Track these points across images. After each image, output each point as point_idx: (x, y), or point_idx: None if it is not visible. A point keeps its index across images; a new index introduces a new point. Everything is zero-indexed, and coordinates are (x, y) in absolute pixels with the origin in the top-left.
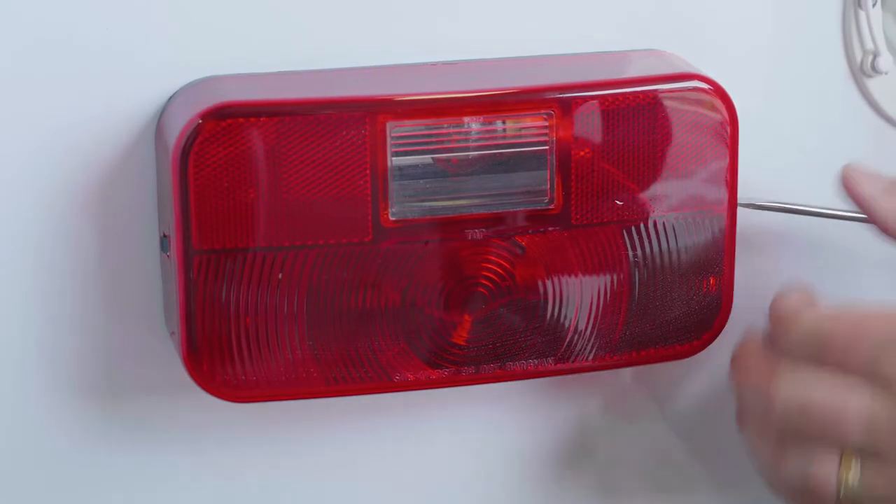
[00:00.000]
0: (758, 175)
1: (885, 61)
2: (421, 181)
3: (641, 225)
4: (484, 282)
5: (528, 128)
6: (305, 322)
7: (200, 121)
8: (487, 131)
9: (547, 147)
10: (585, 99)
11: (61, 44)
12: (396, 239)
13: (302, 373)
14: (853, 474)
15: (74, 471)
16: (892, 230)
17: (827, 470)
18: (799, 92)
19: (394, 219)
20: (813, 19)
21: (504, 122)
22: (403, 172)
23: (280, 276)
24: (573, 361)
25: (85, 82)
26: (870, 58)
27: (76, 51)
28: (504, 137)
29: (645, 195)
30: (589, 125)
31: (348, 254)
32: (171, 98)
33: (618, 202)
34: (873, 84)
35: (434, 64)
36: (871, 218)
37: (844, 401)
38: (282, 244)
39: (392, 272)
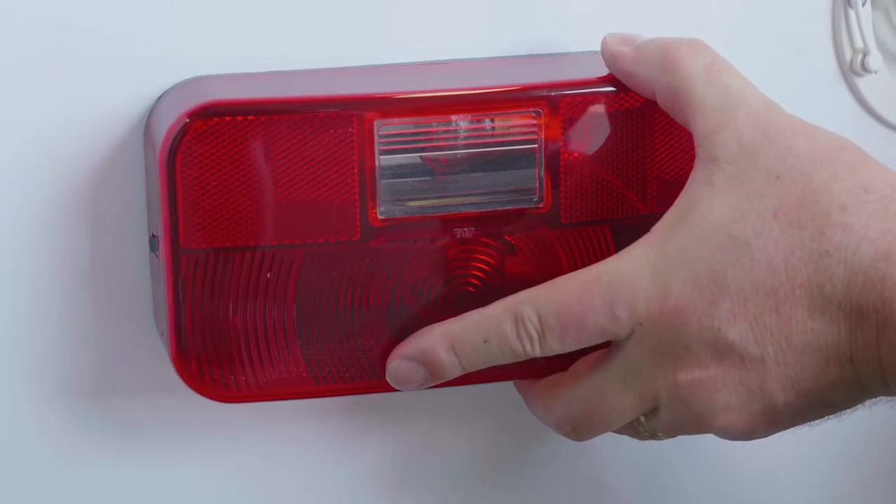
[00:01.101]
0: None
1: (874, 60)
2: (409, 180)
3: (631, 224)
4: (473, 281)
5: (516, 126)
6: (294, 321)
7: (187, 120)
8: (476, 130)
9: (535, 145)
10: (574, 97)
11: (48, 42)
12: (385, 238)
13: (292, 373)
14: (644, 423)
15: (64, 472)
16: (625, 72)
17: (626, 429)
18: (788, 91)
19: (382, 218)
20: (802, 18)
21: (492, 121)
22: (391, 171)
23: (268, 275)
24: (563, 360)
25: (73, 82)
26: (859, 57)
27: (64, 50)
28: (492, 136)
29: (634, 194)
30: (578, 123)
31: (336, 253)
32: (159, 98)
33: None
34: (863, 83)
35: (423, 63)
36: (609, 66)
37: (607, 401)
38: (270, 243)
39: (381, 271)
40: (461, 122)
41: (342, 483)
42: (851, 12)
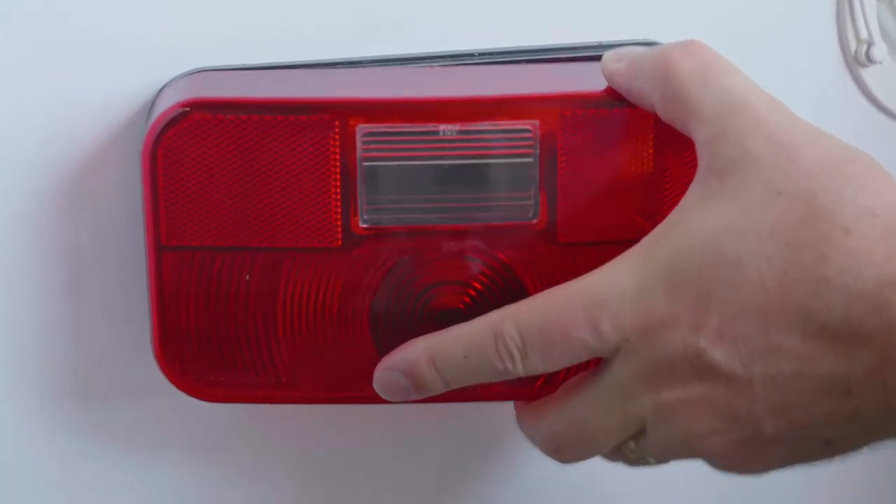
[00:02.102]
0: None
1: (879, 51)
2: (394, 188)
3: (632, 242)
4: (462, 297)
5: (511, 138)
6: (274, 326)
7: (171, 114)
8: (467, 139)
9: (531, 159)
10: (574, 109)
11: (46, 35)
12: (367, 247)
13: (272, 377)
14: (633, 447)
15: (59, 475)
16: (623, 87)
17: (614, 453)
18: (793, 82)
19: (364, 226)
20: (807, 9)
21: (484, 131)
22: (376, 178)
23: (247, 277)
24: (552, 383)
25: (77, 69)
26: (864, 47)
27: (68, 38)
28: (485, 147)
29: (639, 212)
30: (578, 138)
31: (317, 259)
32: (160, 91)
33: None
34: (868, 74)
35: (421, 67)
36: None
37: (592, 421)
38: (250, 245)
39: (362, 281)
40: (450, 131)
41: (330, 491)
42: (856, 2)
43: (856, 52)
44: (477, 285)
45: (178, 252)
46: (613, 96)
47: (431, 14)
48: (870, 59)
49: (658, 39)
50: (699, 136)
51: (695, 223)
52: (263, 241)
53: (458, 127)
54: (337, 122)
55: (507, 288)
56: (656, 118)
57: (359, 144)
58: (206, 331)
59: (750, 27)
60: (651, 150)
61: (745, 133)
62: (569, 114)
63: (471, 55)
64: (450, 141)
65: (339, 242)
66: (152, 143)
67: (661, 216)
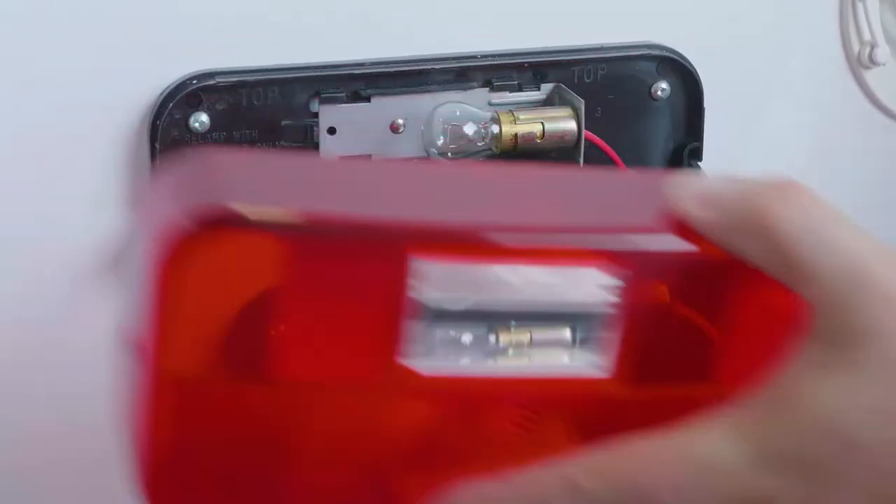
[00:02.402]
0: (753, 170)
1: (882, 53)
2: (453, 329)
3: (712, 398)
4: (517, 447)
5: (593, 289)
6: (291, 464)
7: (191, 225)
8: (540, 285)
9: (616, 311)
10: (674, 265)
11: (51, 31)
12: (415, 390)
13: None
14: None
15: None
16: (716, 241)
17: None
18: (796, 83)
19: (413, 367)
20: (810, 10)
21: (562, 277)
22: (435, 317)
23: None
24: None
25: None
26: (867, 49)
27: (68, 38)
28: (560, 296)
29: (721, 364)
30: (668, 286)
31: (353, 399)
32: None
33: None
34: (871, 76)
35: (472, 172)
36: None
37: None
38: (269, 378)
39: (402, 425)
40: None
41: None
42: (859, 4)
43: (859, 54)
44: (538, 436)
45: (182, 378)
46: (710, 249)
47: (431, 14)
48: (873, 62)
49: (658, 40)
50: (811, 299)
51: (812, 399)
52: (287, 373)
53: (532, 270)
54: (397, 253)
55: (572, 441)
56: (745, 270)
57: (420, 279)
58: (206, 463)
59: (750, 27)
60: (737, 298)
61: (869, 305)
62: (668, 269)
63: (473, 57)
64: (521, 288)
65: (383, 382)
66: (162, 257)
67: (743, 368)
